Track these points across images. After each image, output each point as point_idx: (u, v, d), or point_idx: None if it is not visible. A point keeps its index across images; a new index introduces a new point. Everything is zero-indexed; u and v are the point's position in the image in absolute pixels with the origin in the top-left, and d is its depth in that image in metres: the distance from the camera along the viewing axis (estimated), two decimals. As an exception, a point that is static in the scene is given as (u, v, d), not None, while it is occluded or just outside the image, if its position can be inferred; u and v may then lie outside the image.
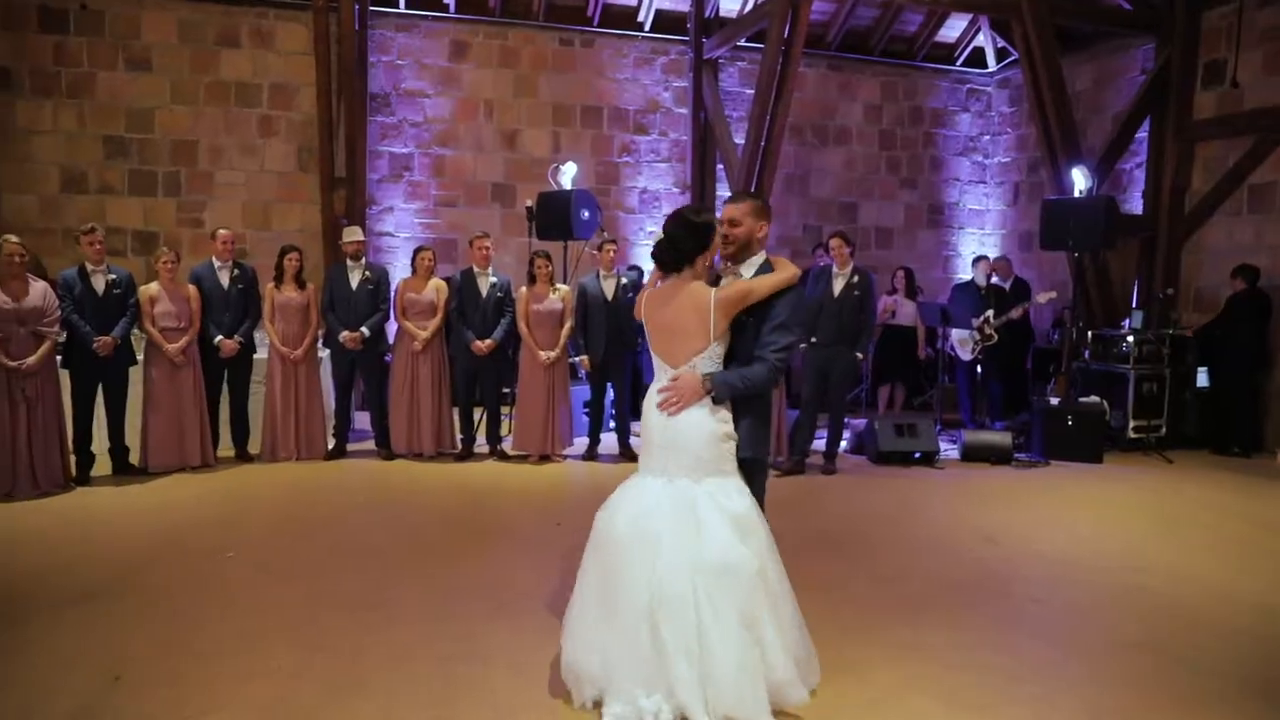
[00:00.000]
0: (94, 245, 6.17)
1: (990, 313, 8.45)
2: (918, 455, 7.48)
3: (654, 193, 10.80)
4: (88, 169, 9.37)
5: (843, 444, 7.88)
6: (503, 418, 7.57)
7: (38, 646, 3.55)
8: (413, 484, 6.46)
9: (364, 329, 7.01)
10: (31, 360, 5.75)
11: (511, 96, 10.34)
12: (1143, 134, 9.48)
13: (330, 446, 7.22)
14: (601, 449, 7.49)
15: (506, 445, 7.45)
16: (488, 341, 7.11)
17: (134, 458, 6.53)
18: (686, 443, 3.13)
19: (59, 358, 6.14)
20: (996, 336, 8.45)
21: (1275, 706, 3.28)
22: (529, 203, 8.60)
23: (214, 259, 6.84)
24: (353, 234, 7.27)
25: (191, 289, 6.67)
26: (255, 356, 7.06)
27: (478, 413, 7.52)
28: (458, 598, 4.16)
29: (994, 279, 8.87)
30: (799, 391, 7.40)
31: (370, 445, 7.41)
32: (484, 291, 7.21)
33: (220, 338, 6.70)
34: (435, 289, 7.24)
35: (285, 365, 6.96)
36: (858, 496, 6.44)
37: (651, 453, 3.23)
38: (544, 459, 7.27)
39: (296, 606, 4.02)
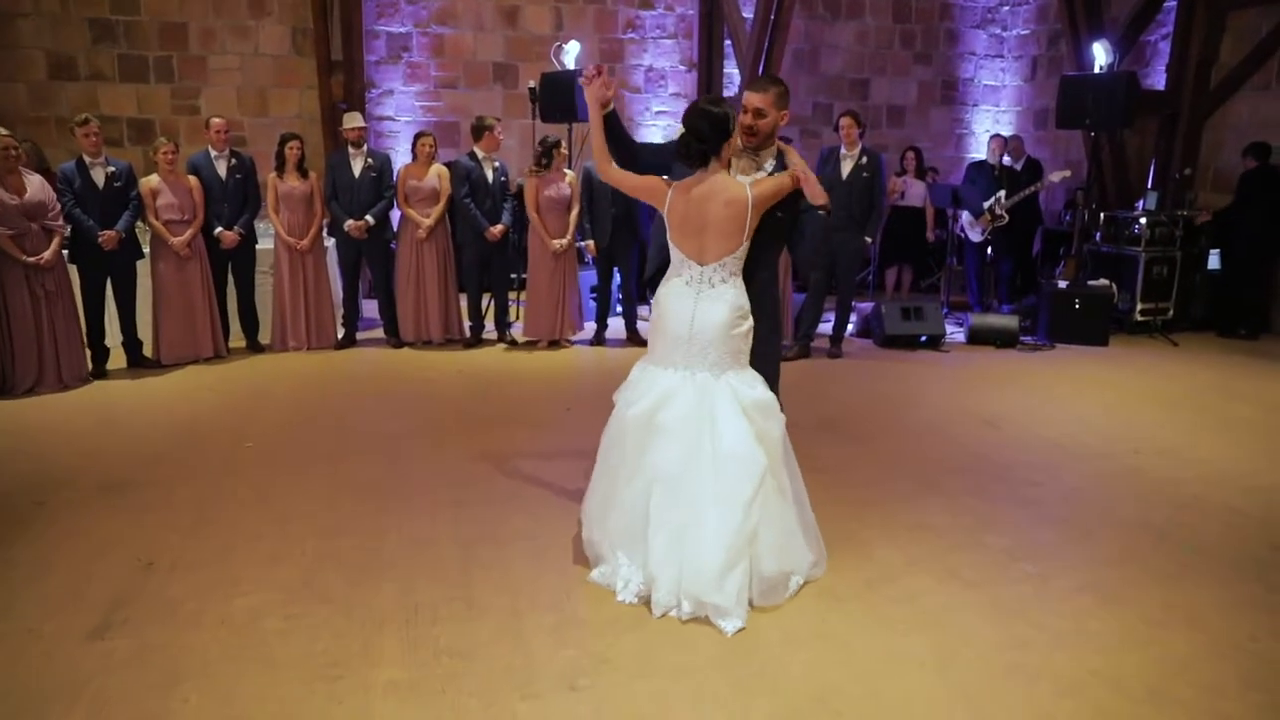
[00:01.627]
0: (89, 136, 6.05)
1: (1002, 194, 8.31)
2: (924, 339, 7.52)
3: (660, 71, 10.46)
4: (76, 54, 9.09)
5: (850, 328, 7.91)
6: (511, 304, 7.59)
7: (71, 535, 3.69)
8: (422, 371, 6.54)
9: (368, 217, 6.95)
10: (48, 254, 5.74)
11: (511, -30, 9.90)
12: (1171, 2, 9.07)
13: (340, 335, 7.27)
14: (608, 334, 7.53)
15: (516, 331, 7.50)
16: (499, 226, 7.05)
17: (147, 350, 6.59)
18: (713, 336, 3.13)
19: (65, 253, 6.12)
20: (1007, 218, 8.33)
21: (1264, 582, 3.40)
22: (531, 83, 8.37)
23: (209, 148, 6.72)
24: (353, 120, 7.10)
25: (193, 180, 6.58)
26: (258, 247, 7.02)
27: (485, 299, 7.53)
28: (474, 483, 4.28)
29: (1005, 159, 8.68)
30: (806, 275, 7.37)
31: (379, 334, 7.47)
32: (489, 177, 7.10)
33: (220, 229, 6.65)
34: (437, 175, 7.13)
35: (291, 255, 6.94)
36: (862, 381, 6.51)
37: (673, 345, 3.19)
38: (553, 344, 7.33)
39: (316, 494, 4.15)
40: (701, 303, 3.14)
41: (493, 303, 7.51)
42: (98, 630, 2.93)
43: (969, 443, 5.07)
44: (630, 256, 7.33)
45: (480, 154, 7.09)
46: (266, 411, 5.54)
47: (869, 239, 7.02)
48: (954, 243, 9.13)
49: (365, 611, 3.07)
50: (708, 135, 3.08)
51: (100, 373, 6.31)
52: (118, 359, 6.50)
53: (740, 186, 3.11)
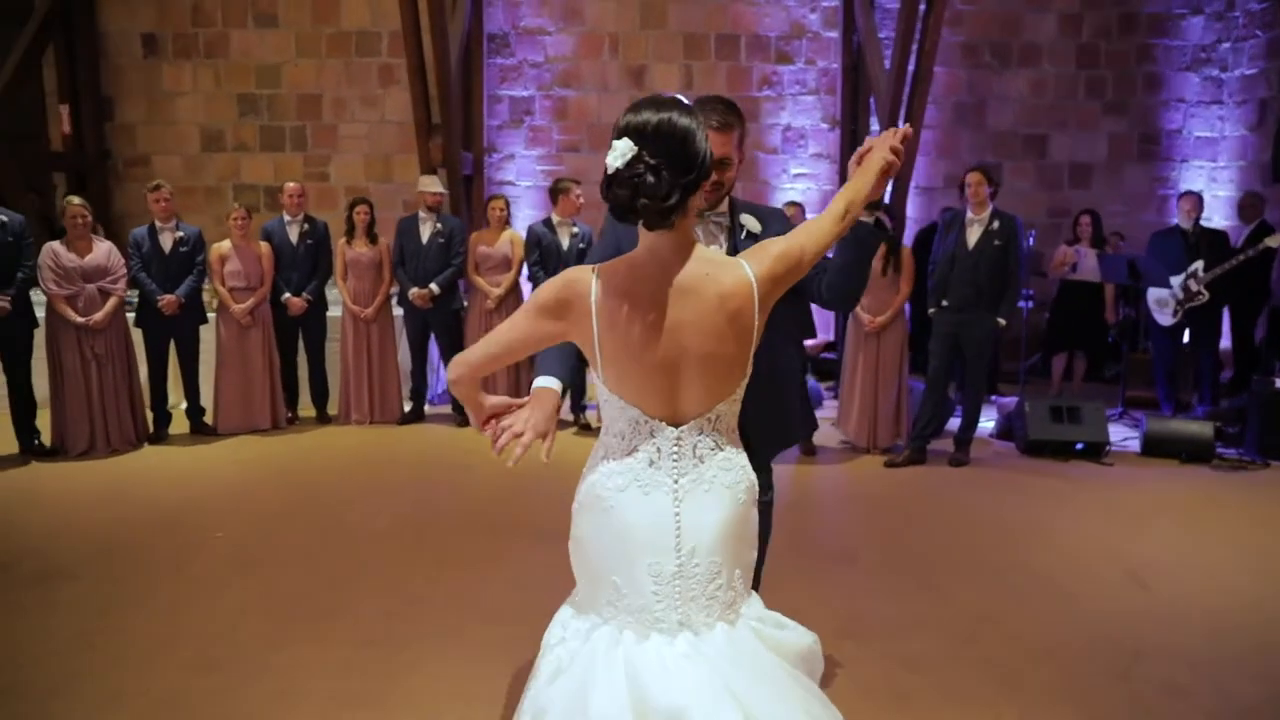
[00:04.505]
0: (160, 203, 6.05)
1: (1199, 265, 6.64)
2: (1080, 446, 5.99)
3: (799, 130, 9.55)
4: (224, 127, 9.53)
5: (989, 425, 6.52)
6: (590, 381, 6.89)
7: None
8: (470, 456, 5.92)
9: (433, 285, 6.52)
10: (99, 316, 5.72)
11: (638, 28, 9.43)
12: None
13: (406, 409, 6.84)
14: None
15: (592, 413, 6.76)
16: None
17: (209, 418, 6.45)
18: (725, 554, 1.79)
19: (131, 316, 6.11)
20: (1206, 295, 6.64)
21: None
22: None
23: (284, 214, 6.58)
24: (431, 184, 6.77)
25: (264, 246, 6.45)
26: (329, 315, 6.77)
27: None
28: (533, 584, 3.54)
29: (1234, 221, 6.98)
30: (847, 306, 6.00)
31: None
32: (564, 243, 6.48)
33: (288, 295, 6.44)
34: (509, 241, 6.62)
35: (357, 324, 6.63)
36: (980, 500, 5.17)
37: (645, 584, 1.76)
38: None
39: (221, 611, 3.54)
40: (691, 498, 1.78)
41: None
42: None
43: (1094, 607, 3.69)
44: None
45: (556, 219, 6.50)
46: (266, 495, 5.11)
47: (1002, 321, 5.70)
48: (1145, 324, 7.46)
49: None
50: (674, 168, 1.68)
51: (160, 436, 6.20)
52: (181, 424, 6.39)
53: (734, 266, 1.78)
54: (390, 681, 2.99)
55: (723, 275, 1.75)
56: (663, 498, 1.76)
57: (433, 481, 5.41)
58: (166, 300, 5.99)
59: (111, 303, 5.81)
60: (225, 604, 3.58)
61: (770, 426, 2.45)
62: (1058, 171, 9.51)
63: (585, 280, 1.74)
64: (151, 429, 6.19)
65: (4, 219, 5.55)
